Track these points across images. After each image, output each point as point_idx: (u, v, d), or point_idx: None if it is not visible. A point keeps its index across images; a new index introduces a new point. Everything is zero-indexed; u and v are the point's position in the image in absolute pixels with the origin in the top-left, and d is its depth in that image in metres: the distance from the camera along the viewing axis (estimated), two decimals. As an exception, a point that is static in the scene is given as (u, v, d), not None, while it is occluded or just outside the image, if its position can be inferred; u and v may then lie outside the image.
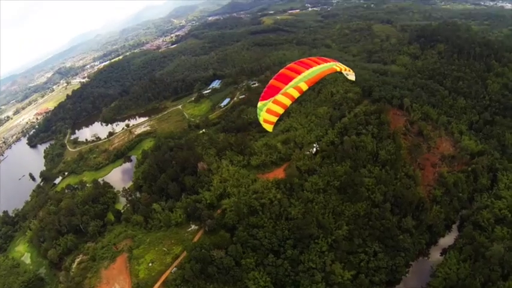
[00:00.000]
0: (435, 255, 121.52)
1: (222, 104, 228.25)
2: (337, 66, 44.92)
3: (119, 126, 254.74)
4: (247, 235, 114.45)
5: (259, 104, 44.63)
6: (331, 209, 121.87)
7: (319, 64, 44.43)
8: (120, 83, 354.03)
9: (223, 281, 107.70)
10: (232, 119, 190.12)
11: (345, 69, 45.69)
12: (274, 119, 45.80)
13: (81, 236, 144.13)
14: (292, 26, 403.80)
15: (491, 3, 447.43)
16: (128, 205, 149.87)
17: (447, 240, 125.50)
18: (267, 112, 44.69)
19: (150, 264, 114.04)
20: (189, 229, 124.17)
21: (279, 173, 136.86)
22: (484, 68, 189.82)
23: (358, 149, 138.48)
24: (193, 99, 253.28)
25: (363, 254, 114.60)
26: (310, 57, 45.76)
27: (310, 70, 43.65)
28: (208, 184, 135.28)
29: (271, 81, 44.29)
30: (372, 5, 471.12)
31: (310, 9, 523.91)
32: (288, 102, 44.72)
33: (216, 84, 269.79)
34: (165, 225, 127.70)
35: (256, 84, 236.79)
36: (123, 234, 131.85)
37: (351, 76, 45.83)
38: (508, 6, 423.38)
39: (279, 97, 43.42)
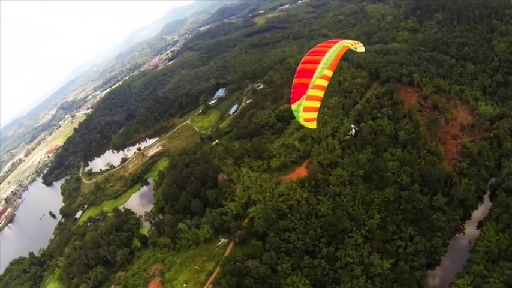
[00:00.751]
0: (471, 229, 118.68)
1: (231, 112, 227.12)
2: (346, 43, 43.51)
3: (130, 151, 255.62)
4: (279, 240, 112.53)
5: (293, 106, 42.99)
6: (360, 200, 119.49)
7: (331, 47, 42.92)
8: (124, 108, 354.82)
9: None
10: (244, 125, 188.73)
11: (353, 44, 44.13)
12: (315, 114, 44.27)
13: (110, 266, 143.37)
14: (286, 21, 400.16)
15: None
16: (153, 228, 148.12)
17: (481, 212, 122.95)
18: (305, 111, 42.95)
19: (185, 285, 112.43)
20: (219, 243, 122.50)
21: (301, 172, 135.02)
22: (487, 30, 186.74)
23: (376, 134, 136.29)
24: (200, 111, 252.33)
25: (399, 240, 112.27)
26: (318, 45, 44.29)
27: (327, 55, 42.17)
28: (231, 195, 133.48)
29: (295, 81, 42.94)
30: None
31: (300, 2, 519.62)
32: (321, 93, 43.21)
33: (220, 92, 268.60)
34: (194, 243, 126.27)
35: (262, 86, 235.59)
36: (152, 258, 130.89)
37: (360, 48, 44.27)
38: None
39: (311, 92, 41.76)
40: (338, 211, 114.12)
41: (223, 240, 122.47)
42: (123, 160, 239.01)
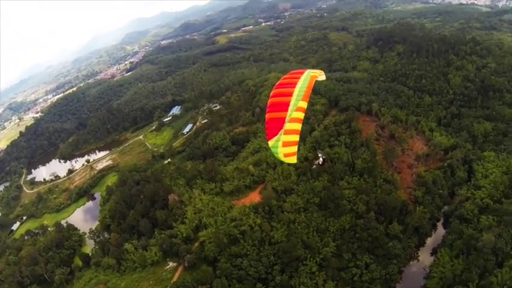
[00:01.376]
0: (425, 256, 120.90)
1: (185, 131, 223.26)
2: (313, 73, 42.57)
3: (78, 163, 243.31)
4: (230, 266, 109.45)
5: (270, 143, 41.12)
6: (315, 227, 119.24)
7: (299, 78, 41.51)
8: (76, 116, 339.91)
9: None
10: (198, 146, 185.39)
11: (318, 74, 43.27)
12: (295, 148, 42.31)
13: (47, 286, 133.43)
14: (247, 42, 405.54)
15: (439, 1, 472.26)
16: (97, 247, 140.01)
17: (434, 239, 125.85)
18: (284, 146, 41.13)
19: None
20: (167, 267, 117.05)
21: (254, 197, 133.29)
22: (443, 64, 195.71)
23: (333, 162, 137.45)
24: (154, 128, 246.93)
25: (355, 268, 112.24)
26: (285, 76, 43.01)
27: (299, 86, 40.75)
28: (182, 217, 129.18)
29: (268, 116, 41.53)
30: (325, 14, 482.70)
31: (263, 24, 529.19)
32: (298, 126, 41.56)
33: (176, 110, 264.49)
34: (140, 266, 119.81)
35: (218, 107, 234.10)
36: (94, 280, 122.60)
37: (322, 76, 44.08)
38: (455, 1, 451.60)
39: (288, 125, 40.10)
40: (292, 238, 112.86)
41: (171, 264, 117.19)
42: (70, 171, 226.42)
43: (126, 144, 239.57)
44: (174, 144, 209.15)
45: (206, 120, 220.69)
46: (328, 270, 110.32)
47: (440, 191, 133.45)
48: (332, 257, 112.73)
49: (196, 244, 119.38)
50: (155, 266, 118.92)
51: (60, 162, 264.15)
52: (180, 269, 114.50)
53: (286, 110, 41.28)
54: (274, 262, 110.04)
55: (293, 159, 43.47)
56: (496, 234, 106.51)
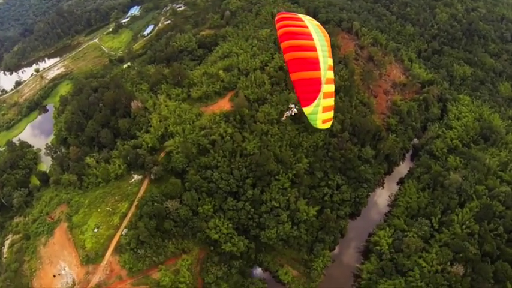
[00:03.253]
0: (391, 185, 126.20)
1: (145, 32, 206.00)
2: (312, 20, 40.50)
3: (26, 73, 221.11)
4: (200, 179, 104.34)
5: (308, 109, 37.20)
6: (288, 141, 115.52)
7: (307, 27, 37.95)
8: (20, 21, 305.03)
9: (182, 234, 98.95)
10: (160, 48, 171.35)
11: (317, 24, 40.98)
12: (331, 114, 39.92)
13: (6, 212, 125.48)
14: None
15: None
16: (55, 164, 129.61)
17: (401, 169, 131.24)
18: (324, 112, 37.51)
19: (96, 230, 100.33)
20: (132, 180, 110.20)
21: (224, 104, 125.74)
22: None
23: None
24: (110, 30, 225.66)
25: (326, 187, 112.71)
26: (285, 22, 38.60)
27: (317, 39, 37.54)
28: (146, 125, 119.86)
29: (297, 75, 35.98)
30: None
31: None
32: (333, 88, 38.44)
33: (135, 10, 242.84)
34: (103, 181, 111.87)
35: (182, 8, 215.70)
36: (55, 200, 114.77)
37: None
38: None
39: (326, 88, 36.31)
40: (265, 151, 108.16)
41: (136, 177, 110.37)
42: (18, 83, 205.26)
43: (80, 49, 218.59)
44: (133, 47, 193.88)
45: (169, 22, 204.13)
46: (301, 187, 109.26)
47: (414, 123, 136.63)
48: (304, 174, 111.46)
49: (162, 154, 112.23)
50: (119, 179, 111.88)
51: (5, 74, 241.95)
52: (146, 182, 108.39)
53: (319, 69, 34.54)
54: (246, 175, 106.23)
55: (329, 124, 40.52)
56: (463, 176, 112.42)
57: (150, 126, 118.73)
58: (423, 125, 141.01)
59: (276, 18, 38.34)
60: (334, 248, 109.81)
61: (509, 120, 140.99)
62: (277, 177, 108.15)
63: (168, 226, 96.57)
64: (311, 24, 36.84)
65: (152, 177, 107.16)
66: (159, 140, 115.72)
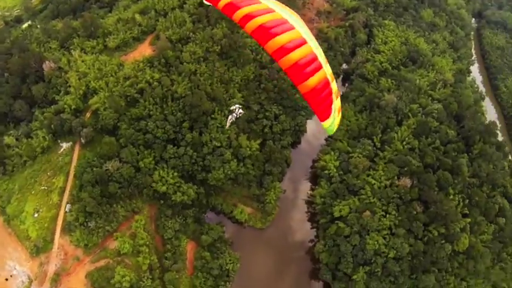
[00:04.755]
0: None
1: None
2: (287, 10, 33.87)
3: None
4: (134, 132, 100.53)
5: (328, 122, 34.00)
6: (219, 78, 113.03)
7: (292, 23, 31.87)
8: None
9: (128, 195, 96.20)
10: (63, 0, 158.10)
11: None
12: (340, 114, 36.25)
13: None
14: None
15: None
16: None
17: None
18: (338, 115, 35.11)
19: (36, 215, 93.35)
20: (61, 150, 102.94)
21: (144, 50, 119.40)
22: None
23: None
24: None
25: (265, 119, 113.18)
26: (269, 17, 31.49)
27: (312, 40, 32.69)
28: (64, 86, 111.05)
29: (306, 87, 30.96)
30: None
31: None
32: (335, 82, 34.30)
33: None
34: (29, 158, 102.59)
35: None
36: None
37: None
38: None
39: (334, 86, 33.09)
40: (197, 91, 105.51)
41: (65, 145, 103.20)
42: None
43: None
44: (32, 2, 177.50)
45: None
46: (239, 122, 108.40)
47: (342, 49, 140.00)
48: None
49: (89, 114, 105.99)
50: (47, 152, 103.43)
51: None
52: (77, 148, 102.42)
53: (322, 67, 31.26)
54: (181, 119, 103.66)
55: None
56: (397, 96, 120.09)
57: (69, 86, 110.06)
58: (351, 50, 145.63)
59: (223, 6, 32.03)
60: (283, 179, 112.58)
61: (434, 44, 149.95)
62: (213, 116, 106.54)
63: (113, 189, 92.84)
64: (272, 3, 31.89)
65: (83, 141, 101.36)
66: (82, 100, 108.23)
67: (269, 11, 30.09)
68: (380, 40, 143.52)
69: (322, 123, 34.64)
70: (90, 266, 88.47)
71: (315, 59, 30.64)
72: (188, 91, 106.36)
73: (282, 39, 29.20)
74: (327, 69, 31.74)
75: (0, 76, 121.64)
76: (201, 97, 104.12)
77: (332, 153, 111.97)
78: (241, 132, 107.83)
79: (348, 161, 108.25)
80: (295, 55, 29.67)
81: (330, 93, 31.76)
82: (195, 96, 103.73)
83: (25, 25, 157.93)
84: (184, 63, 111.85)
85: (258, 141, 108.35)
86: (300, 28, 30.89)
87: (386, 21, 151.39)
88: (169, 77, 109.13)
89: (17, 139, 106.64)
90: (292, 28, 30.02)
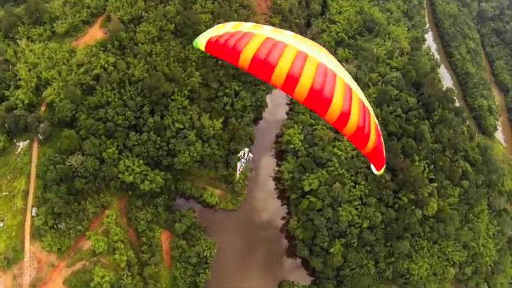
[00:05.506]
0: None
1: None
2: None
3: None
4: (94, 121, 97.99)
5: (383, 169, 32.58)
6: (175, 57, 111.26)
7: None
8: None
9: (96, 190, 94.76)
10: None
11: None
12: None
13: None
14: None
15: None
16: None
17: None
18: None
19: (1, 224, 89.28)
20: (19, 150, 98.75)
21: (95, 33, 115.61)
22: None
23: None
24: None
25: (225, 97, 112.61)
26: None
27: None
28: (14, 80, 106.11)
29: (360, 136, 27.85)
30: None
31: None
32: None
33: None
34: None
35: None
36: None
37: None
38: None
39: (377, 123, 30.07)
40: (155, 73, 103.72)
41: (22, 144, 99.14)
42: None
43: None
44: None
45: None
46: (200, 102, 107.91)
47: (297, 21, 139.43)
48: (200, 88, 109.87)
49: (43, 108, 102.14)
50: (3, 154, 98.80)
51: None
52: (35, 145, 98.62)
53: (364, 104, 27.63)
54: (141, 103, 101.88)
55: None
56: (356, 66, 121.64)
57: (19, 79, 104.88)
58: (306, 21, 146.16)
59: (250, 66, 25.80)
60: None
61: (388, 13, 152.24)
62: (173, 97, 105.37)
63: (79, 185, 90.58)
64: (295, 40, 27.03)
65: (41, 137, 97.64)
66: (35, 93, 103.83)
67: (302, 56, 25.40)
68: (335, 10, 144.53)
69: (378, 171, 33.09)
70: (67, 271, 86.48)
71: (368, 113, 27.78)
72: (145, 73, 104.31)
73: (338, 101, 25.14)
74: (374, 116, 28.97)
75: None
76: (159, 78, 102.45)
77: (295, 126, 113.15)
78: (202, 111, 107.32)
79: (313, 134, 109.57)
80: (355, 118, 26.18)
81: (379, 135, 29.15)
82: (153, 78, 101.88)
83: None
84: (139, 45, 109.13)
85: (221, 120, 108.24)
86: (338, 70, 27.10)
87: None
88: (125, 60, 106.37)
89: None
90: (334, 75, 26.07)
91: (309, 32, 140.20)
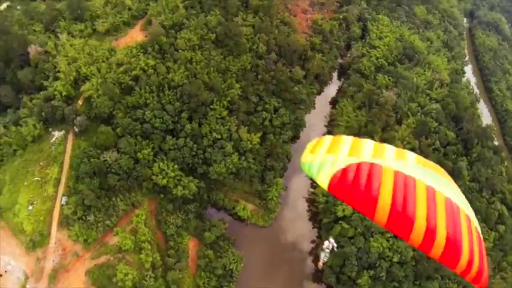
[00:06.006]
0: (323, 106, 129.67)
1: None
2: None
3: None
4: (131, 121, 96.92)
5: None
6: (215, 67, 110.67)
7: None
8: None
9: (127, 188, 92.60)
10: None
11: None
12: None
13: None
14: None
15: None
16: None
17: (330, 89, 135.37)
18: None
19: (31, 208, 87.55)
20: (54, 139, 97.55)
21: (136, 35, 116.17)
22: None
23: None
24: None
25: (264, 112, 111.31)
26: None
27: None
28: (53, 72, 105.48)
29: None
30: None
31: None
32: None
33: None
34: (19, 147, 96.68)
35: None
36: None
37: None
38: None
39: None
40: (194, 80, 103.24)
41: (58, 134, 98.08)
42: None
43: None
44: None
45: None
46: (239, 114, 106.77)
47: (337, 42, 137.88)
48: (239, 100, 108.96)
49: (81, 102, 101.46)
50: (38, 141, 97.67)
51: None
52: (71, 137, 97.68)
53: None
54: (180, 109, 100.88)
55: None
56: (396, 93, 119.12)
57: (58, 71, 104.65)
58: (346, 43, 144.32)
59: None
60: (284, 175, 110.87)
61: (428, 42, 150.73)
62: (212, 106, 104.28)
63: (112, 182, 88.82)
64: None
65: (76, 130, 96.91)
66: (73, 86, 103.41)
67: (432, 196, 21.95)
68: (375, 35, 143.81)
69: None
70: (90, 263, 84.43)
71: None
72: (185, 80, 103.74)
73: (465, 251, 21.89)
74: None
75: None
76: (199, 86, 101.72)
77: None
78: (241, 124, 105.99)
79: None
80: (476, 264, 22.60)
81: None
82: (193, 86, 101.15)
83: (3, 6, 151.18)
84: (180, 51, 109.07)
85: (259, 135, 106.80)
86: (464, 206, 24.19)
87: (380, 16, 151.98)
88: (165, 64, 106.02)
89: (4, 126, 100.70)
90: (468, 220, 23.26)
91: (349, 55, 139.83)
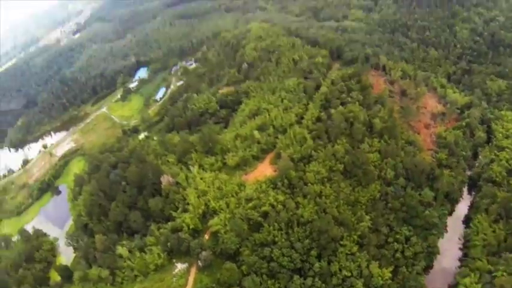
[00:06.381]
0: (456, 226, 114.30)
1: (158, 97, 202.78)
2: None
3: (33, 150, 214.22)
4: (258, 259, 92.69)
5: None
6: (345, 200, 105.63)
7: None
8: (22, 92, 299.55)
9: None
10: (178, 113, 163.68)
11: None
12: None
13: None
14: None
15: None
16: (78, 256, 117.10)
17: (461, 206, 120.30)
18: None
19: None
20: (176, 271, 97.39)
21: (265, 169, 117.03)
22: (448, 15, 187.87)
23: (348, 122, 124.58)
24: (119, 97, 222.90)
25: (395, 243, 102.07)
26: None
27: None
28: (182, 203, 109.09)
29: None
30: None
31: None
32: None
33: (142, 73, 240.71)
34: (140, 273, 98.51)
35: (194, 65, 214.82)
36: None
37: None
38: None
39: None
40: (324, 215, 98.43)
41: (180, 266, 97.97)
42: (25, 162, 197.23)
43: (88, 121, 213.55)
44: (147, 113, 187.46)
45: (182, 82, 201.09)
46: (369, 248, 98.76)
47: (464, 153, 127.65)
48: (369, 233, 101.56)
49: (207, 236, 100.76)
50: (160, 271, 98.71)
51: (10, 151, 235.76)
52: (194, 270, 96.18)
53: None
54: (309, 246, 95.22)
55: None
56: None
57: (188, 204, 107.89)
58: (472, 152, 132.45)
59: None
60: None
61: None
62: (341, 242, 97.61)
63: None
64: None
65: (200, 264, 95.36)
66: (201, 220, 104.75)
67: None
68: (501, 135, 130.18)
69: None
70: None
71: None
72: (315, 215, 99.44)
73: None
74: None
75: (118, 184, 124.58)
76: (328, 222, 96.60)
77: (472, 275, 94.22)
78: (371, 258, 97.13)
79: (492, 283, 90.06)
80: None
81: None
82: (323, 221, 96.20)
83: (141, 136, 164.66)
84: (309, 184, 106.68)
85: (390, 269, 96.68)
86: None
87: (503, 112, 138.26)
88: (294, 199, 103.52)
89: (130, 251, 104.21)
90: None
91: (477, 164, 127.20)
